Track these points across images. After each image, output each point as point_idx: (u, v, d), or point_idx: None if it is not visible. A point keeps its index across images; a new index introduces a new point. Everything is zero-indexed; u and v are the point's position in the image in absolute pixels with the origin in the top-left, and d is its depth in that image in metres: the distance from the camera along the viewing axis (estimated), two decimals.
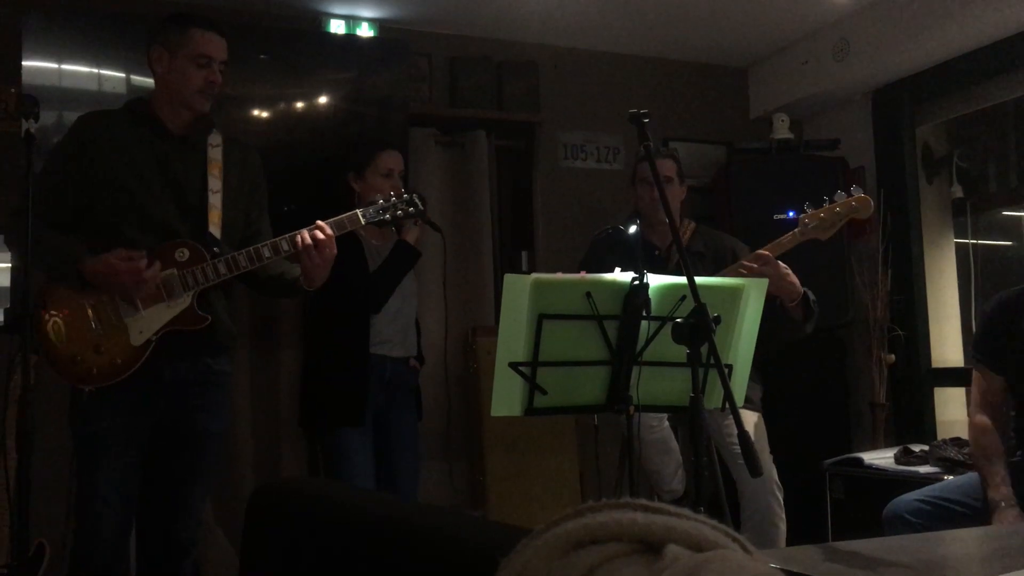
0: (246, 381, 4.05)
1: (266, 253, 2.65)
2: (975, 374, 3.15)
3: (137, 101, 2.80)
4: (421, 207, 2.90)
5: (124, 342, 2.56)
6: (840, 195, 3.09)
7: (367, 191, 3.38)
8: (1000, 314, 3.08)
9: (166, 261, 2.59)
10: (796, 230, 3.10)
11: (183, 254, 2.61)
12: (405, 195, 2.88)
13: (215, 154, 2.74)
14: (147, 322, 2.57)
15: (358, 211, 2.79)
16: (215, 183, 2.70)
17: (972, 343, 3.22)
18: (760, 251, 3.06)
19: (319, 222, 2.71)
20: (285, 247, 2.67)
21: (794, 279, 3.04)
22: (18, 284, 3.34)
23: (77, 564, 2.58)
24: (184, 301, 2.61)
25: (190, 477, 2.72)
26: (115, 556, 2.59)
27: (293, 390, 3.97)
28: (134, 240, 2.58)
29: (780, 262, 3.03)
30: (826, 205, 3.09)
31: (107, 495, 2.55)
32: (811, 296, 3.11)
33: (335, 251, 2.70)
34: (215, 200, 2.69)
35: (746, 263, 3.07)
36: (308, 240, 2.66)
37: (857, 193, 3.07)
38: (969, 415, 3.15)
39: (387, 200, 2.84)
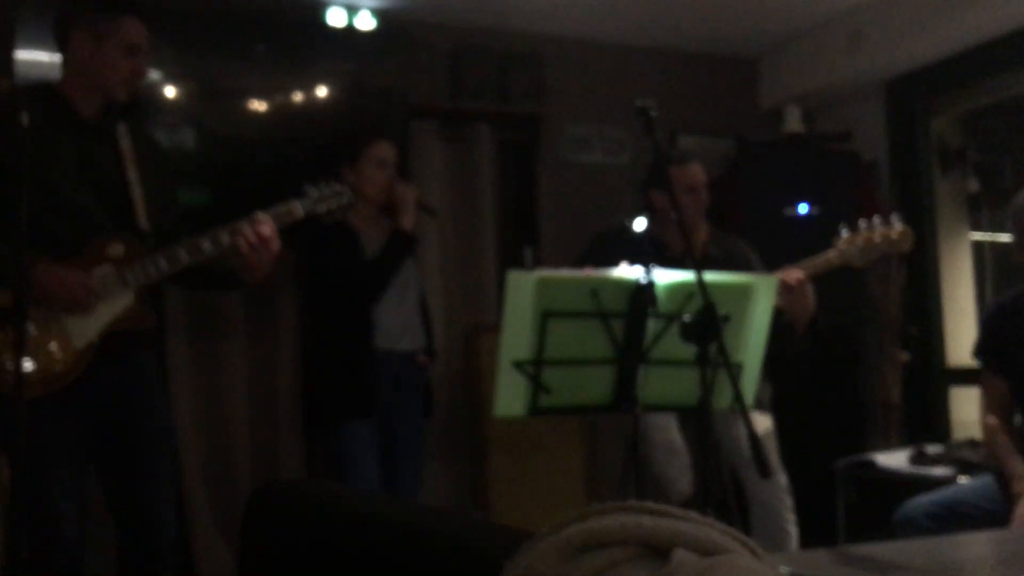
0: (242, 378, 4.03)
1: (206, 246, 2.55)
2: (981, 376, 3.16)
3: (45, 85, 2.65)
4: (351, 198, 2.89)
5: (64, 346, 2.44)
6: (878, 221, 3.04)
7: (361, 182, 3.37)
8: (1000, 318, 3.09)
9: (99, 257, 2.48)
10: (831, 254, 3.06)
11: (117, 249, 2.50)
12: (334, 185, 2.84)
13: (125, 144, 2.63)
14: (89, 323, 2.46)
15: (296, 204, 2.73)
16: (133, 173, 2.60)
17: (974, 348, 3.21)
18: (797, 274, 3.02)
19: (259, 215, 2.61)
20: (225, 240, 2.56)
21: (813, 301, 3.03)
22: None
23: (37, 573, 2.50)
24: (125, 299, 2.50)
25: (153, 479, 2.64)
26: (76, 562, 2.52)
27: (291, 389, 4.00)
28: (59, 234, 2.46)
29: (808, 286, 3.03)
30: (863, 232, 3.05)
31: (61, 504, 2.46)
32: (816, 319, 3.11)
33: (279, 245, 2.62)
34: (136, 192, 2.59)
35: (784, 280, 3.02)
36: (253, 238, 2.56)
37: (897, 224, 3.04)
38: (982, 421, 3.15)
39: (320, 191, 2.80)
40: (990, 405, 3.08)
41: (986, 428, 3.07)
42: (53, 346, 2.43)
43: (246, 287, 2.76)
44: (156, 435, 2.66)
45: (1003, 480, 2.92)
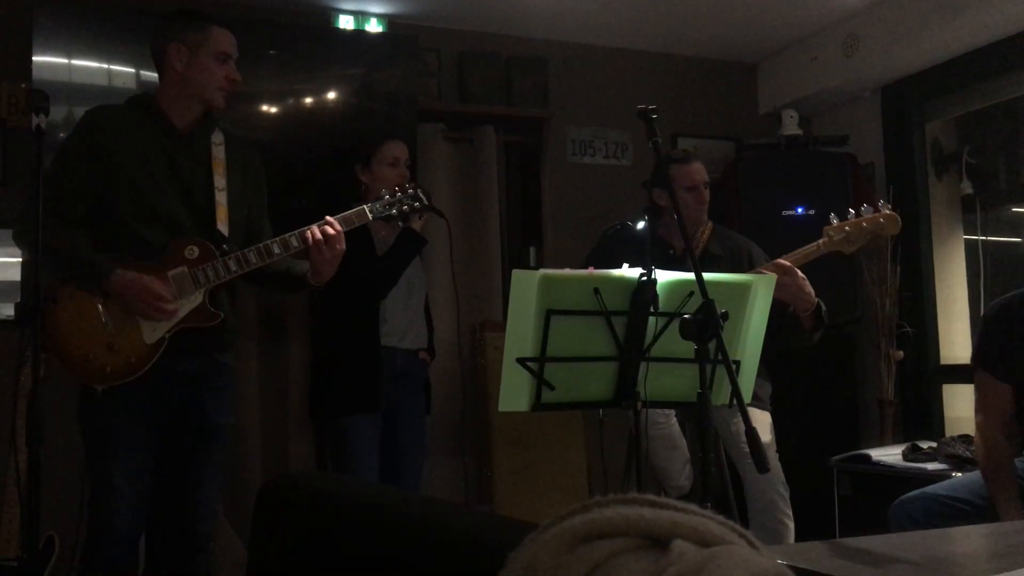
0: (254, 374, 4.06)
1: (276, 249, 2.67)
2: (978, 381, 3.10)
3: (142, 96, 2.80)
4: (426, 202, 2.93)
5: (137, 340, 2.56)
6: (867, 209, 3.03)
7: (374, 182, 3.41)
8: (1002, 320, 3.03)
9: (177, 259, 2.60)
10: (820, 241, 3.05)
11: (193, 252, 2.61)
12: (410, 190, 2.90)
13: (218, 152, 2.74)
14: (162, 321, 2.58)
15: (365, 207, 2.81)
16: (220, 181, 2.71)
17: (974, 349, 3.16)
18: (781, 261, 3.01)
19: (328, 218, 2.72)
20: (295, 243, 2.68)
21: (810, 289, 2.99)
22: (29, 278, 3.35)
23: (90, 560, 2.59)
24: (196, 298, 2.62)
25: (203, 471, 2.73)
26: (129, 552, 2.60)
27: (301, 382, 3.99)
28: (144, 237, 2.59)
29: (799, 271, 2.98)
30: (852, 218, 3.04)
31: (122, 491, 2.56)
32: (823, 307, 3.07)
33: (344, 247, 2.72)
34: (221, 198, 2.70)
35: (767, 272, 2.97)
36: (319, 236, 2.67)
37: (885, 209, 3.02)
38: (976, 425, 3.09)
39: (393, 195, 2.87)
40: (988, 411, 3.02)
41: (983, 441, 3.00)
42: (127, 340, 2.56)
43: (312, 288, 2.85)
44: (217, 429, 2.75)
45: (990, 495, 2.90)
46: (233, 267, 2.63)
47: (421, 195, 2.92)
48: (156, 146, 2.67)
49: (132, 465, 2.58)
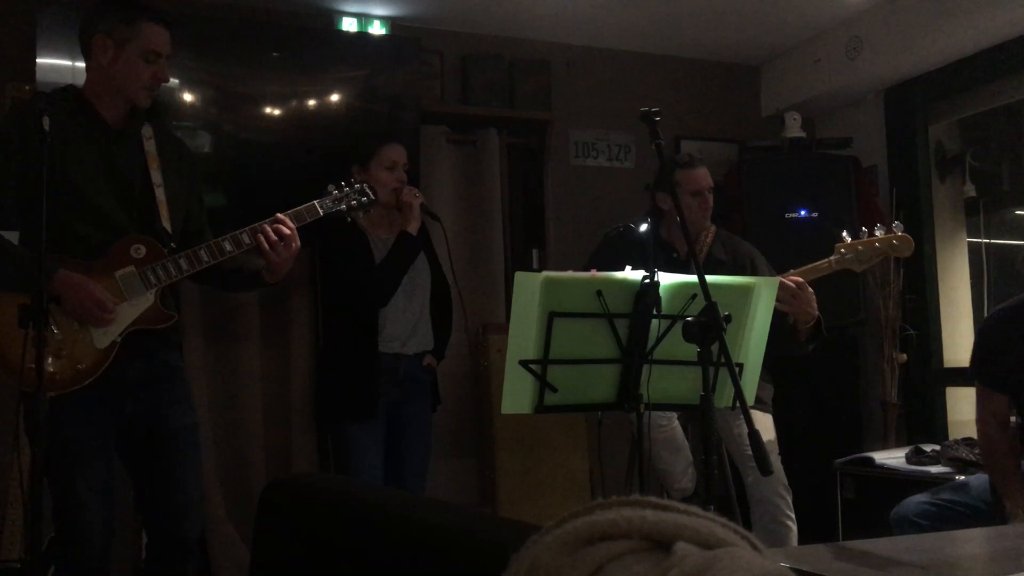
0: (257, 376, 4.06)
1: (228, 247, 2.58)
2: (977, 391, 3.12)
3: (69, 89, 2.64)
4: (373, 196, 2.88)
5: (87, 345, 2.47)
6: (880, 229, 3.02)
7: (372, 184, 3.39)
8: (998, 331, 3.05)
9: (123, 259, 2.51)
10: (832, 258, 3.04)
11: (139, 250, 2.52)
12: (356, 184, 2.86)
13: (150, 147, 2.64)
14: (111, 324, 2.48)
15: (315, 202, 2.76)
16: (156, 176, 2.61)
17: (972, 360, 3.17)
18: (795, 276, 2.99)
19: (279, 215, 2.65)
20: (246, 240, 2.60)
21: (815, 304, 2.99)
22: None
23: (66, 570, 2.54)
24: (147, 299, 2.53)
25: (178, 475, 2.64)
26: (103, 558, 2.53)
27: (304, 385, 4.00)
28: (84, 236, 2.49)
29: (808, 287, 2.98)
30: (865, 236, 3.03)
31: (88, 500, 2.48)
32: (822, 321, 3.07)
33: (299, 244, 2.65)
34: (160, 194, 2.60)
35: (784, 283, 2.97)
36: (273, 236, 2.60)
37: (899, 230, 3.01)
38: (979, 433, 3.12)
39: (341, 189, 2.83)
40: (988, 420, 3.04)
41: (986, 446, 3.04)
42: (76, 346, 2.45)
43: (268, 286, 2.79)
44: (182, 432, 2.66)
45: (996, 496, 2.92)
46: (184, 266, 2.54)
47: (368, 189, 2.87)
48: (88, 141, 2.56)
49: (93, 473, 2.49)
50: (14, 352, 2.33)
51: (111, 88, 2.58)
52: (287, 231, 2.63)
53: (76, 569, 2.51)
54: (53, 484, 2.49)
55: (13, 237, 2.52)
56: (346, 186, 2.84)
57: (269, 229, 2.61)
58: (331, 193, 2.82)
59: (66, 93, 2.62)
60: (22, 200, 2.46)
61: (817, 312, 3.01)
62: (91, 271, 2.47)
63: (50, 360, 2.37)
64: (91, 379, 2.46)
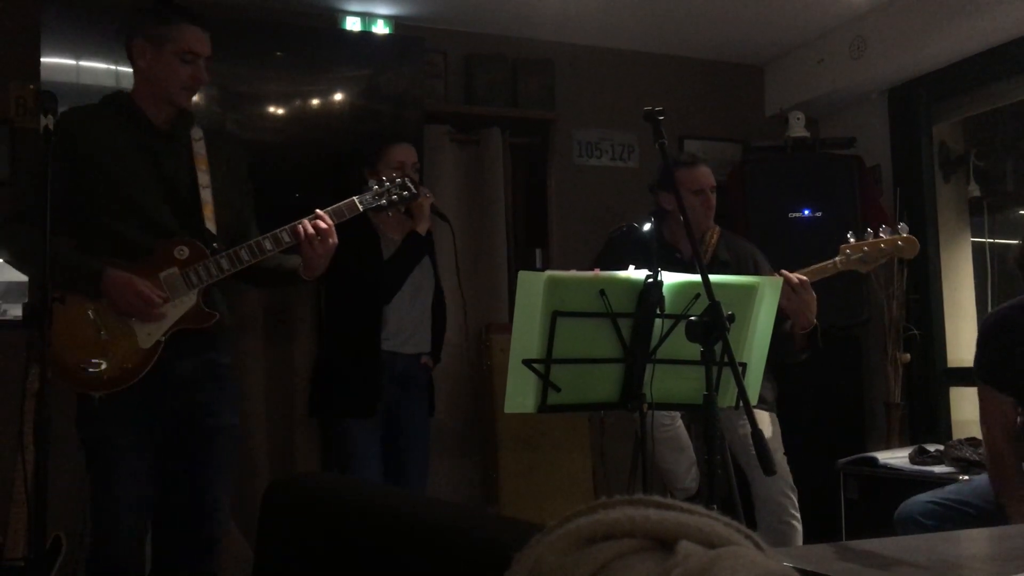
0: (260, 374, 4.06)
1: (267, 246, 2.63)
2: (980, 392, 3.11)
3: (118, 95, 2.73)
4: (414, 191, 2.91)
5: (132, 346, 2.53)
6: (885, 230, 3.02)
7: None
8: (1000, 331, 3.04)
9: (166, 260, 2.56)
10: (837, 259, 3.02)
11: (183, 252, 2.57)
12: (398, 179, 2.88)
13: (199, 148, 2.69)
14: (155, 324, 2.54)
15: (355, 198, 2.78)
16: (204, 178, 2.66)
17: (974, 361, 3.16)
18: (801, 276, 2.97)
19: (318, 211, 2.69)
20: (286, 238, 2.64)
21: (815, 309, 2.97)
22: (37, 278, 3.35)
23: (95, 566, 2.57)
24: (190, 299, 2.58)
25: (210, 474, 2.69)
26: (133, 558, 2.57)
27: (307, 386, 3.99)
28: (130, 239, 2.55)
29: (811, 289, 2.96)
30: (870, 238, 3.02)
31: (124, 498, 2.53)
32: (819, 330, 3.05)
33: (336, 240, 2.68)
34: (206, 196, 2.65)
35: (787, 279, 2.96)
36: (310, 230, 2.64)
37: (904, 231, 3.00)
38: (982, 435, 3.12)
39: (381, 185, 2.85)
40: (992, 422, 3.04)
41: (990, 450, 3.03)
42: (121, 346, 2.52)
43: (303, 283, 2.83)
44: (220, 430, 2.70)
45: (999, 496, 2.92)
46: (225, 266, 2.59)
47: (410, 184, 2.89)
48: (136, 144, 2.61)
49: (132, 471, 2.55)
50: (69, 356, 2.47)
51: (153, 91, 2.64)
52: (325, 226, 2.66)
53: (108, 562, 2.55)
54: (93, 478, 2.57)
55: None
56: (387, 181, 2.86)
57: (308, 225, 2.66)
58: (372, 188, 2.84)
59: (115, 99, 2.70)
60: (71, 206, 2.54)
61: (815, 320, 3.00)
62: (137, 272, 2.52)
63: (98, 360, 2.49)
64: (137, 378, 2.52)
